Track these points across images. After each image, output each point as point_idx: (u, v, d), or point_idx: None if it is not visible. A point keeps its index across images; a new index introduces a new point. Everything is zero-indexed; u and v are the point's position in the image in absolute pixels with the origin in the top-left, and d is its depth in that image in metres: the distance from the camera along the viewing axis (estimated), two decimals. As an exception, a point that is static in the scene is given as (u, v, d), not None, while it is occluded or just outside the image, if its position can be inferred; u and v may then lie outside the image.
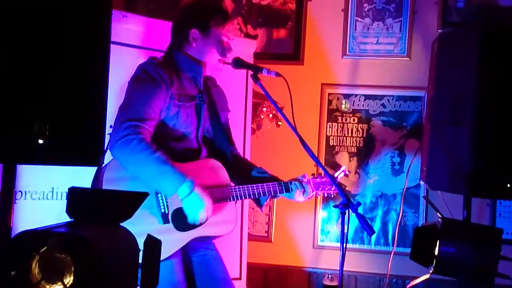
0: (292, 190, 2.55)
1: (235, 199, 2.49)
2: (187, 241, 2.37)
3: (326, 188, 2.62)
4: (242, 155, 3.41)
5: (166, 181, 2.26)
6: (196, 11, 2.52)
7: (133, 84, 2.39)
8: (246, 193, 2.50)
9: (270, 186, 2.54)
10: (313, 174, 2.65)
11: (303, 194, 2.56)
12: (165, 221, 2.33)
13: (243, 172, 2.64)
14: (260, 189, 2.52)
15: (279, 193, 2.55)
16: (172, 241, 2.32)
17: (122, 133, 2.24)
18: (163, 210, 2.33)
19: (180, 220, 2.35)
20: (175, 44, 2.55)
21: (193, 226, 2.37)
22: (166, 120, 2.40)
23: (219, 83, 2.73)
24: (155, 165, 2.24)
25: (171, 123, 2.42)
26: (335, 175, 2.65)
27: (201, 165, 2.48)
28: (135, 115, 2.27)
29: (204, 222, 2.37)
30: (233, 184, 2.55)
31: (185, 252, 2.49)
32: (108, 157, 2.30)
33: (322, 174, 2.63)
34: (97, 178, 2.31)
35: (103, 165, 2.36)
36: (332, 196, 2.73)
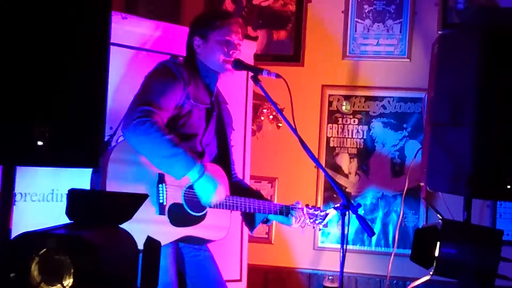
0: (292, 215, 2.62)
1: (232, 209, 2.50)
2: (178, 237, 2.38)
3: (317, 222, 2.69)
4: (242, 156, 3.43)
5: (177, 163, 2.27)
6: (197, 20, 2.63)
7: (152, 76, 2.43)
8: (244, 206, 2.52)
9: (272, 205, 2.60)
10: (307, 205, 2.70)
11: (297, 221, 2.63)
12: (161, 212, 2.34)
13: (242, 193, 2.62)
14: (257, 205, 2.55)
15: (275, 215, 2.61)
16: (165, 233, 2.32)
17: (137, 115, 2.25)
18: (161, 201, 2.34)
19: (175, 215, 2.36)
20: (189, 52, 2.61)
21: (190, 223, 2.39)
22: (177, 117, 2.42)
23: (222, 84, 2.74)
24: (167, 146, 2.25)
25: (182, 121, 2.44)
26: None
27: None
28: (151, 102, 2.30)
29: (219, 204, 2.40)
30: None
31: (178, 253, 2.50)
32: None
33: (317, 206, 2.74)
34: (103, 158, 2.31)
35: (111, 146, 2.41)
36: (319, 230, 2.78)
